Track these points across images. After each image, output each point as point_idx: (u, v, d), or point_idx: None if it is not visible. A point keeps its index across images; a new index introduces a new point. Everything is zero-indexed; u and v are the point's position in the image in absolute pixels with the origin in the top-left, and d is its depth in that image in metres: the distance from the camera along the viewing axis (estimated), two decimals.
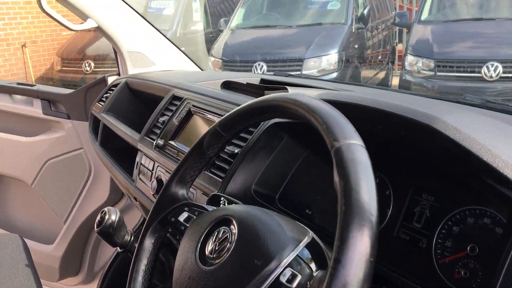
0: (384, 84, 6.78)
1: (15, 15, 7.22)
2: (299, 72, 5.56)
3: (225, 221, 0.64)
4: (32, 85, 2.07)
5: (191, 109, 1.16)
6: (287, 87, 1.03)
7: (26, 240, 2.11)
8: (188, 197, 0.77)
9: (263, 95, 1.07)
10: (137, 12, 1.73)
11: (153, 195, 1.14)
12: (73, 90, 1.98)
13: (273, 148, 0.89)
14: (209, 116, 1.09)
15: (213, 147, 0.75)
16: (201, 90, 1.19)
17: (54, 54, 7.42)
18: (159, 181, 1.13)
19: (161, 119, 1.23)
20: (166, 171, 1.12)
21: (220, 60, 5.93)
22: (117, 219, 0.87)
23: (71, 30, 1.61)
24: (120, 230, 0.88)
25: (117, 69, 1.91)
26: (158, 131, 1.22)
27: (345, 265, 0.46)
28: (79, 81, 6.49)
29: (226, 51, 5.99)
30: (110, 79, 1.86)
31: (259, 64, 5.61)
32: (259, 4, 6.83)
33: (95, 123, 1.68)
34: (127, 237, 0.89)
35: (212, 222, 0.66)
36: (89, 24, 1.62)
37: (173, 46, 1.84)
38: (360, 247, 0.46)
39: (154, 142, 1.17)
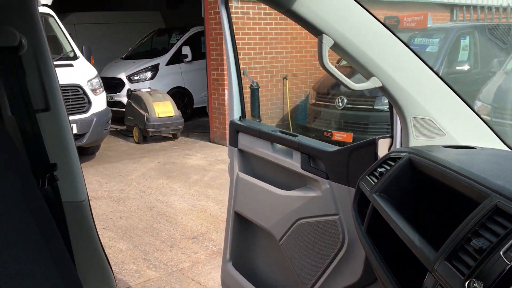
0: None
1: (282, 49, 7.80)
2: None
3: None
4: (294, 136, 1.94)
5: None
6: None
7: None
8: None
9: None
10: (432, 71, 1.37)
11: None
12: (336, 148, 1.75)
13: None
14: None
15: None
16: None
17: (310, 87, 7.72)
18: None
19: (477, 243, 0.80)
20: None
21: (490, 106, 5.13)
22: None
23: (351, 89, 1.36)
24: None
25: (390, 130, 1.58)
26: (471, 262, 0.80)
27: None
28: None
29: (499, 96, 5.16)
30: (382, 144, 1.55)
31: None
32: None
33: (362, 201, 1.38)
34: None
35: None
36: (372, 83, 1.34)
37: (469, 110, 1.41)
38: None
39: (466, 282, 0.77)
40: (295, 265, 1.89)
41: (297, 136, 1.93)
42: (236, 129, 2.20)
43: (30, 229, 1.36)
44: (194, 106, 9.97)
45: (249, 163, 2.21)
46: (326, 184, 1.73)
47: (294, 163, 1.88)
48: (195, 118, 9.84)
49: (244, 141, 2.17)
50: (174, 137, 8.05)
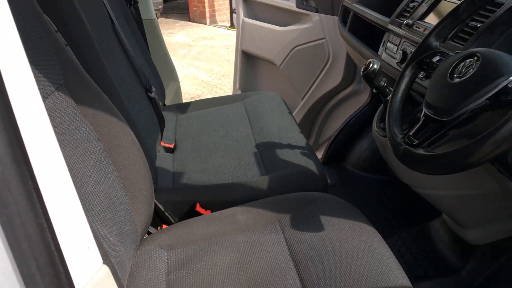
0: None
1: None
2: None
3: (472, 55, 0.83)
4: None
5: None
6: None
7: None
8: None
9: None
10: None
11: (397, 63, 1.30)
12: None
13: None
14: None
15: (467, 12, 0.95)
16: None
17: None
18: (404, 52, 1.26)
19: (411, 4, 1.35)
20: (412, 44, 1.25)
21: None
22: (378, 68, 1.08)
23: None
24: (379, 76, 1.09)
25: None
26: (407, 14, 1.35)
27: None
28: None
29: None
30: None
31: None
32: None
33: (345, 14, 1.81)
34: (382, 83, 1.14)
35: (461, 57, 0.85)
36: None
37: None
38: None
39: (404, 21, 1.32)
40: (293, 82, 2.30)
41: None
42: None
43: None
44: None
45: (252, 9, 2.53)
46: (316, 16, 2.08)
47: (290, 3, 2.21)
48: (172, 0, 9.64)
49: None
50: None
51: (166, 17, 8.28)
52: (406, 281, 0.88)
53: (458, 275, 1.39)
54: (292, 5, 2.22)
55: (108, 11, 1.44)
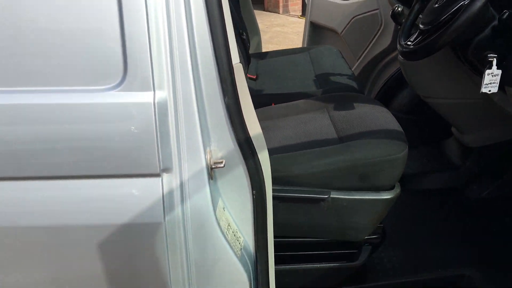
0: None
1: None
2: None
3: None
4: None
5: None
6: None
7: None
8: None
9: None
10: None
11: None
12: None
13: None
14: None
15: None
16: None
17: None
18: None
19: None
20: None
21: None
22: (401, 10, 1.63)
23: None
24: (402, 15, 1.65)
25: None
26: None
27: None
28: None
29: None
30: None
31: None
32: None
33: None
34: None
35: None
36: None
37: None
38: None
39: None
40: (350, 46, 2.79)
41: None
42: None
43: None
44: None
45: None
46: None
47: None
48: None
49: None
50: None
51: None
52: (399, 128, 1.43)
53: (458, 170, 1.90)
54: None
55: None
